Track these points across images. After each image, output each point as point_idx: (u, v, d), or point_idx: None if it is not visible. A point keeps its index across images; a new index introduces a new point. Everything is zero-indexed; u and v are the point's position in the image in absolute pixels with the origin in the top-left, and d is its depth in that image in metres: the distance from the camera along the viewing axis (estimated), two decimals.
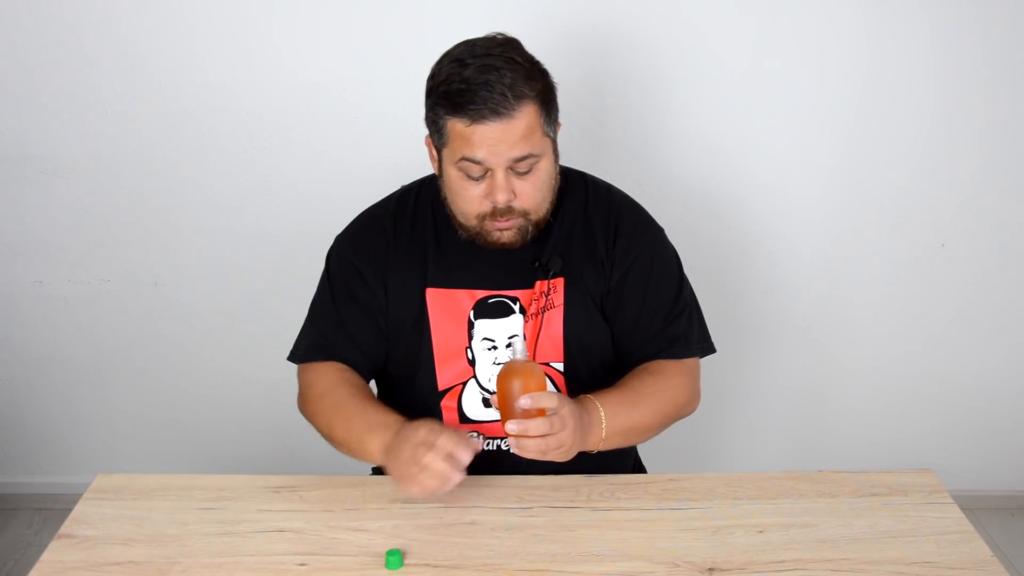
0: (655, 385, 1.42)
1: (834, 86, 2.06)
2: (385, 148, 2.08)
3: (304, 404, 1.46)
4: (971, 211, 2.17)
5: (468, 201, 1.34)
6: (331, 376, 1.42)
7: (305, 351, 1.47)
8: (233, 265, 2.23)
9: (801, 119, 2.10)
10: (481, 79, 1.26)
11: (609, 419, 1.33)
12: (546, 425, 1.22)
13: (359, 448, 1.34)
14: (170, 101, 2.08)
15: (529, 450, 1.23)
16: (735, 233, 2.20)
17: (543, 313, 1.41)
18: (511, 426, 1.22)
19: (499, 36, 1.33)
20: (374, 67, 2.05)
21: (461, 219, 1.37)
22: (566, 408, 1.25)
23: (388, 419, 1.32)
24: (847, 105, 2.08)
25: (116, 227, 2.20)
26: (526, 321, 1.42)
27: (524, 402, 1.21)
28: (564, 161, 1.50)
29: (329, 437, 1.40)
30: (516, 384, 1.23)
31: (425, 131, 1.38)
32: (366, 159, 2.10)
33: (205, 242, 2.21)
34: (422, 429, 1.24)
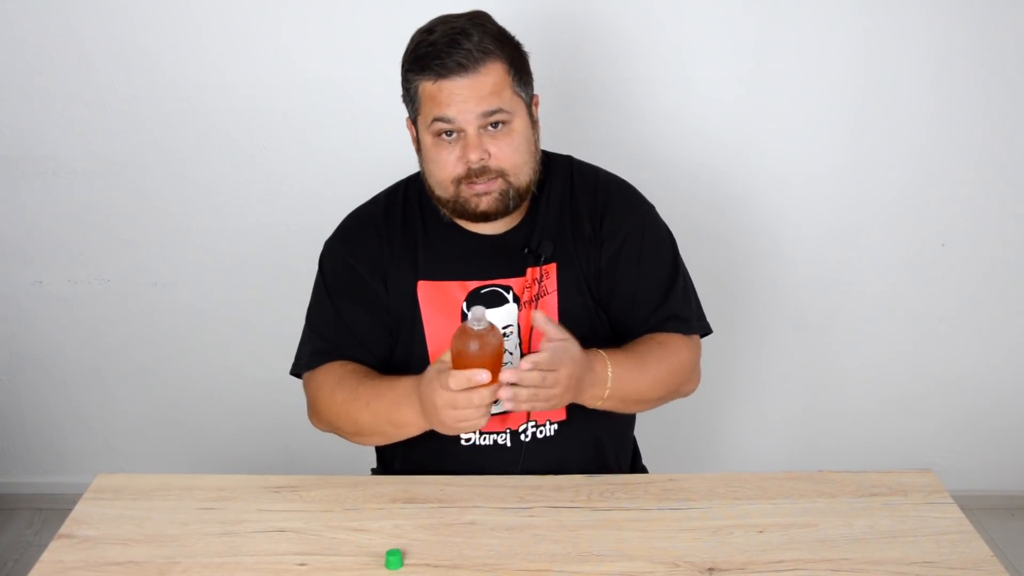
0: (662, 355, 1.42)
1: (836, 85, 2.06)
2: (386, 147, 2.08)
3: (316, 411, 1.44)
4: (971, 211, 2.18)
5: (442, 166, 1.33)
6: (335, 374, 1.41)
7: (309, 359, 1.45)
8: (233, 265, 2.23)
9: (802, 118, 2.10)
10: (447, 39, 1.29)
11: (615, 381, 1.33)
12: (538, 378, 1.22)
13: (393, 427, 1.35)
14: (171, 101, 2.08)
15: (521, 399, 1.23)
16: (736, 232, 2.20)
17: (537, 300, 1.41)
18: (506, 375, 1.21)
19: (471, 11, 1.36)
20: (375, 66, 2.04)
21: (439, 190, 1.36)
22: (563, 370, 1.24)
23: (400, 388, 1.32)
24: (848, 104, 2.08)
25: (116, 227, 2.20)
26: (520, 309, 1.41)
27: (526, 364, 1.20)
28: (562, 152, 1.50)
29: (357, 432, 1.39)
30: (472, 349, 1.20)
31: (406, 115, 1.39)
32: (367, 158, 2.10)
33: (205, 242, 2.21)
34: (435, 389, 1.22)
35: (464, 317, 1.40)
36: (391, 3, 2.00)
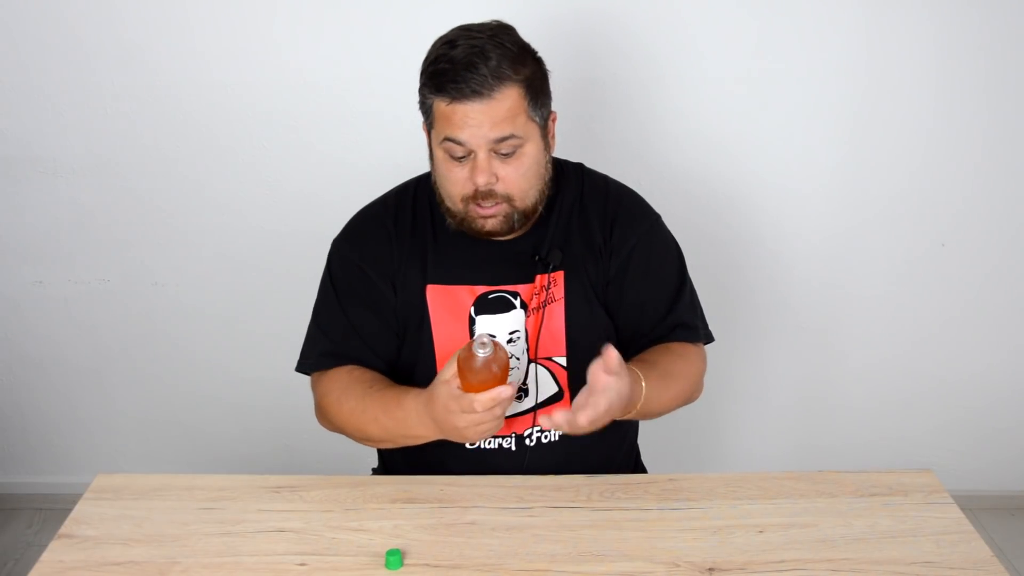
0: (683, 368, 1.42)
1: (836, 85, 2.07)
2: (385, 148, 2.09)
3: (323, 414, 1.44)
4: (971, 211, 2.18)
5: (452, 183, 1.34)
6: (342, 380, 1.41)
7: (317, 360, 1.45)
8: (233, 265, 2.23)
9: (803, 118, 2.10)
10: (466, 60, 1.27)
11: (645, 402, 1.33)
12: (588, 428, 1.22)
13: (406, 439, 1.36)
14: (170, 101, 2.08)
15: (559, 426, 1.23)
16: (736, 232, 2.20)
17: (544, 307, 1.41)
18: (559, 418, 1.21)
19: (494, 22, 1.34)
20: (374, 67, 2.05)
21: (448, 202, 1.37)
22: (611, 412, 1.23)
23: (409, 406, 1.32)
24: (849, 104, 2.08)
25: (116, 227, 2.20)
26: (527, 316, 1.41)
27: (583, 417, 1.20)
28: (564, 156, 1.50)
29: (367, 439, 1.41)
30: (494, 370, 1.20)
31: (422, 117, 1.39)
32: (366, 159, 2.10)
33: (205, 242, 2.21)
34: (455, 413, 1.23)
35: (472, 321, 1.41)
36: (391, 6, 2.00)
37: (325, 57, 2.05)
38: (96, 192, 2.16)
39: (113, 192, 2.16)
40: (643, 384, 1.32)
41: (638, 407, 1.33)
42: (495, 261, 1.42)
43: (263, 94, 2.07)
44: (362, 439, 1.41)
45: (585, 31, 2.02)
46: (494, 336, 1.40)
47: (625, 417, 1.34)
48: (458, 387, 1.22)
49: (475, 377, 1.20)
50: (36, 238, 2.21)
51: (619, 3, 2.00)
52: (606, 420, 1.25)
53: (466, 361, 1.20)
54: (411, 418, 1.31)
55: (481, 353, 1.19)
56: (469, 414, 1.22)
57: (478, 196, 1.33)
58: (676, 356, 1.43)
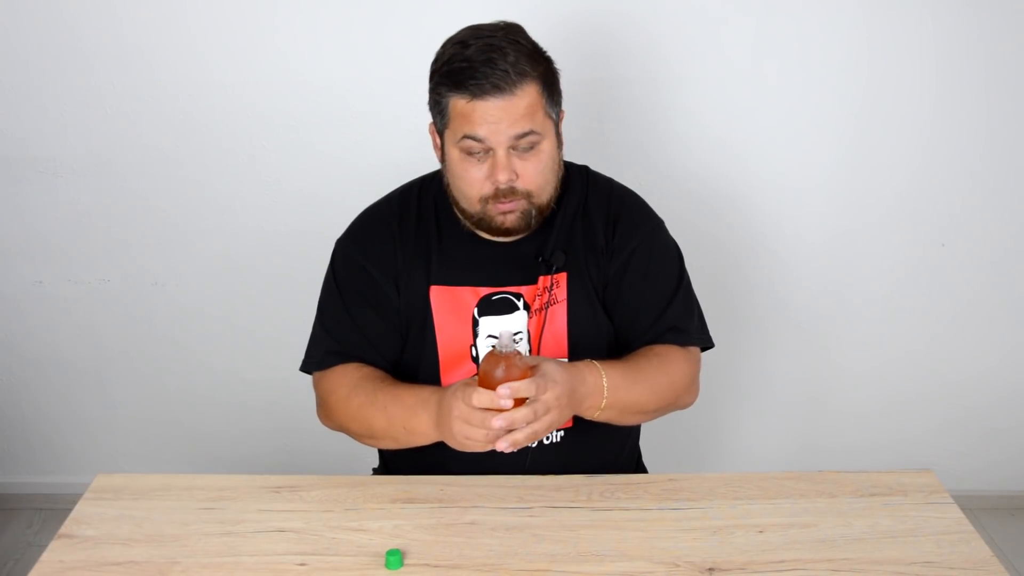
0: (660, 366, 1.41)
1: (836, 85, 2.07)
2: (385, 148, 2.09)
3: (328, 412, 1.44)
4: (971, 211, 2.18)
5: (470, 183, 1.33)
6: (350, 376, 1.41)
7: (322, 359, 1.45)
8: (233, 265, 2.23)
9: (803, 118, 2.10)
10: (484, 57, 1.27)
11: (611, 391, 1.32)
12: (530, 414, 1.20)
13: (406, 433, 1.34)
14: (170, 101, 2.08)
15: (519, 443, 1.22)
16: (737, 232, 2.20)
17: (547, 309, 1.41)
18: (497, 422, 1.20)
19: (503, 22, 1.34)
20: (374, 67, 2.05)
21: (464, 204, 1.37)
22: (549, 393, 1.22)
23: (423, 395, 1.32)
24: (849, 105, 2.09)
25: (116, 227, 2.20)
26: (530, 317, 1.41)
27: (503, 391, 1.19)
28: (566, 157, 1.50)
29: (370, 435, 1.39)
30: (498, 374, 1.20)
31: (429, 119, 1.38)
32: (366, 159, 2.11)
33: (205, 242, 2.21)
34: (457, 400, 1.23)
35: (475, 322, 1.41)
36: (391, 6, 2.00)
37: (325, 57, 2.05)
38: (96, 192, 2.16)
39: (113, 192, 2.16)
40: (602, 374, 1.32)
41: (604, 396, 1.32)
42: (499, 262, 1.42)
43: (263, 94, 2.07)
44: (365, 434, 1.40)
45: (587, 33, 2.02)
46: (518, 338, 1.40)
47: (596, 414, 1.33)
48: (480, 394, 1.21)
49: (481, 368, 1.21)
50: (36, 238, 2.21)
51: (621, 5, 2.00)
52: (554, 404, 1.23)
53: (488, 357, 1.21)
54: (419, 406, 1.31)
55: (497, 348, 1.19)
56: (465, 406, 1.21)
57: (498, 195, 1.33)
58: (653, 355, 1.42)
